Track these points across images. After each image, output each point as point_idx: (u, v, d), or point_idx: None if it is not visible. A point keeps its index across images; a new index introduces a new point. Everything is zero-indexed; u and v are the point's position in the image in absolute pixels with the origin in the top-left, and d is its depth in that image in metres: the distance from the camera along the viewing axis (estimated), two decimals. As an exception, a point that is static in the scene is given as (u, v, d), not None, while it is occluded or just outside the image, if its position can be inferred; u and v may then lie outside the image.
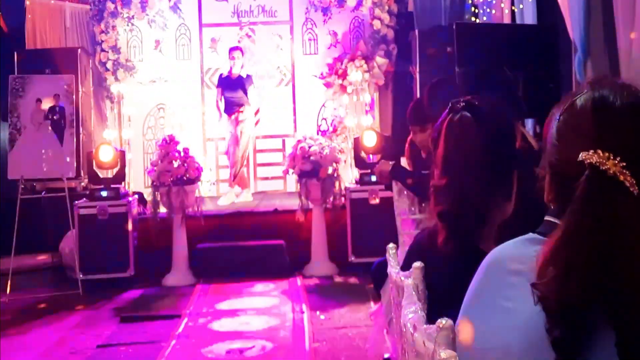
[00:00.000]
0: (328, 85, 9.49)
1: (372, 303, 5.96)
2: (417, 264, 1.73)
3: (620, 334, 1.09)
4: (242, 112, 8.83)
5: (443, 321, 1.28)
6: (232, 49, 8.97)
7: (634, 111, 1.21)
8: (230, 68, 8.88)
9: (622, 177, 1.12)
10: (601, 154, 1.14)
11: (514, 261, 1.28)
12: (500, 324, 1.24)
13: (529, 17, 7.43)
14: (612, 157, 1.13)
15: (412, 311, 1.49)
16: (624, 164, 1.13)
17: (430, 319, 1.50)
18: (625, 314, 1.09)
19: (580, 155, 1.15)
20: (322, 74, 9.51)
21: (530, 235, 1.32)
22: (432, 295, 1.74)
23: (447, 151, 1.90)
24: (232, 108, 8.82)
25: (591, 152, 1.15)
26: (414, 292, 1.61)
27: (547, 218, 1.31)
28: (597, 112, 1.21)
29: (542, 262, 1.17)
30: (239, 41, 9.64)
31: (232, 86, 8.83)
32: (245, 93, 8.81)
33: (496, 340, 1.24)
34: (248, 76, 8.92)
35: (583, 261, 1.11)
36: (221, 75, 9.00)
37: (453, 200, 1.87)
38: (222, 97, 8.87)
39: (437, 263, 1.82)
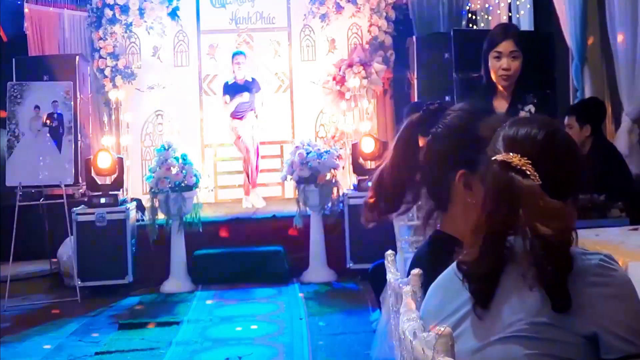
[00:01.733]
0: (327, 91, 9.51)
1: (370, 309, 5.97)
2: (415, 271, 1.73)
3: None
4: (256, 116, 8.84)
5: (442, 328, 1.29)
6: (235, 54, 8.98)
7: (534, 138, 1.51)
8: (235, 74, 8.86)
9: (524, 167, 1.42)
10: (508, 154, 1.45)
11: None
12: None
13: (526, 24, 7.46)
14: (518, 157, 1.43)
15: (411, 318, 1.50)
16: (530, 162, 1.42)
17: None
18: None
19: (494, 157, 1.46)
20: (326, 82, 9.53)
21: None
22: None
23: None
24: (243, 112, 8.82)
25: (504, 154, 1.46)
26: (412, 299, 1.61)
27: None
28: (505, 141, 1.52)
29: (466, 240, 1.48)
30: (236, 48, 9.66)
31: (242, 91, 8.82)
32: (253, 97, 8.84)
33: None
34: (254, 80, 8.94)
35: (489, 232, 1.41)
36: (226, 83, 8.95)
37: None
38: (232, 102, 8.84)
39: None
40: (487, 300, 1.43)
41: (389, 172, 1.95)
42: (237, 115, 8.82)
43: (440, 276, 1.58)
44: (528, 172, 1.42)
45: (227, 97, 8.84)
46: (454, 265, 1.53)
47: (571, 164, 1.51)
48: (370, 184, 2.18)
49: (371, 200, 1.98)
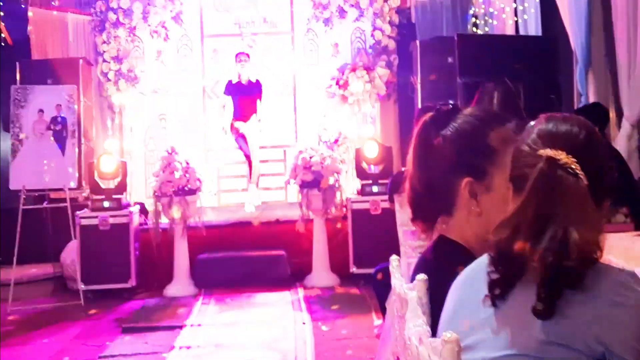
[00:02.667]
0: (330, 95, 9.52)
1: (374, 314, 5.96)
2: (421, 277, 1.72)
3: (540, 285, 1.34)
4: (259, 120, 8.85)
5: (448, 334, 1.28)
6: (238, 54, 8.96)
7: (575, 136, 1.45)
8: (239, 74, 8.86)
9: (574, 166, 1.35)
10: (556, 150, 1.38)
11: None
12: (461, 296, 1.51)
13: (532, 28, 7.46)
14: (565, 154, 1.37)
15: (417, 324, 1.50)
16: (576, 161, 1.36)
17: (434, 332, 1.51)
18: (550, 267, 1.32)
19: (539, 151, 1.39)
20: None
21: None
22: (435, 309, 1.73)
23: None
24: (247, 114, 8.79)
25: (548, 149, 1.39)
26: (418, 305, 1.60)
27: None
28: (544, 140, 1.45)
29: (498, 226, 1.41)
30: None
31: (246, 92, 8.80)
32: (259, 99, 8.82)
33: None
34: (258, 82, 8.93)
35: (528, 224, 1.36)
36: (230, 82, 8.90)
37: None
38: (233, 103, 8.82)
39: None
40: (507, 288, 1.38)
41: (417, 178, 1.84)
42: (239, 116, 8.81)
43: (456, 281, 1.54)
44: (577, 172, 1.35)
45: (229, 98, 8.81)
46: (470, 270, 1.50)
47: (609, 168, 1.44)
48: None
49: (412, 217, 1.88)
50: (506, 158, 1.62)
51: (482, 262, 1.48)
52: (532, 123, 1.50)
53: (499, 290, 1.39)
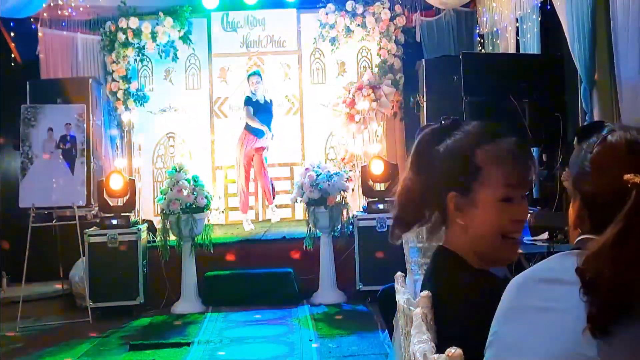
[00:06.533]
0: (336, 113, 9.58)
1: (380, 332, 5.97)
2: (424, 293, 1.75)
3: None
4: (272, 136, 8.96)
5: (452, 350, 1.31)
6: (251, 75, 9.07)
7: None
8: (256, 94, 8.93)
9: None
10: None
11: (548, 271, 1.40)
12: (539, 322, 1.34)
13: (535, 47, 7.50)
14: None
15: (421, 340, 1.52)
16: None
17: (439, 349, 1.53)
18: None
19: (624, 177, 1.29)
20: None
21: (563, 252, 1.43)
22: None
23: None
24: (262, 132, 8.89)
25: (632, 174, 1.29)
26: (423, 322, 1.63)
27: (581, 237, 1.43)
28: (630, 148, 1.39)
29: (588, 256, 1.28)
30: (247, 71, 9.78)
31: (263, 110, 8.91)
32: (271, 118, 8.97)
33: (537, 341, 1.33)
34: (271, 102, 9.06)
35: (633, 256, 1.24)
36: (249, 97, 8.97)
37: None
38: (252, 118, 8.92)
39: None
40: (611, 323, 1.26)
41: (412, 181, 1.89)
42: (254, 132, 8.89)
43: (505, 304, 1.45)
44: None
45: (251, 108, 8.89)
46: (522, 294, 1.42)
47: None
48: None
49: (395, 215, 1.93)
50: (492, 175, 1.73)
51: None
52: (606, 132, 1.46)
53: (602, 325, 1.26)
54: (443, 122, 1.89)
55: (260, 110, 8.88)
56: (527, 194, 1.81)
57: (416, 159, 1.88)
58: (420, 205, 1.86)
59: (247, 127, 8.90)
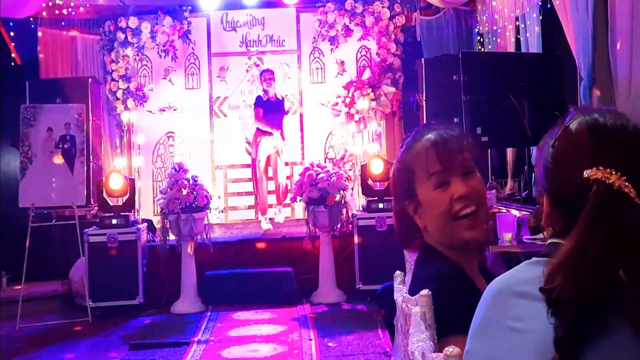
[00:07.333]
0: (336, 113, 9.58)
1: (380, 331, 5.97)
2: (424, 292, 1.75)
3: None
4: (283, 138, 8.97)
5: (450, 349, 1.31)
6: (263, 72, 9.07)
7: (625, 130, 1.28)
8: (267, 91, 8.92)
9: (627, 190, 1.17)
10: (604, 170, 1.19)
11: (519, 284, 1.30)
12: (511, 344, 1.26)
13: (534, 46, 7.50)
14: (614, 172, 1.19)
15: (420, 339, 1.52)
16: (625, 177, 1.18)
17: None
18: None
19: (584, 173, 1.20)
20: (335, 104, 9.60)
21: (533, 259, 1.34)
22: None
23: None
24: (272, 128, 8.87)
25: (594, 169, 1.20)
26: (421, 320, 1.63)
27: (550, 240, 1.34)
28: (592, 132, 1.27)
29: (551, 269, 1.20)
30: (247, 70, 9.78)
31: (274, 108, 8.91)
32: (285, 114, 8.99)
33: None
34: (283, 98, 9.06)
35: (596, 267, 1.15)
36: (260, 97, 8.97)
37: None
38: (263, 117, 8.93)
39: None
40: (580, 345, 1.17)
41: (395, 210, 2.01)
42: (265, 132, 8.89)
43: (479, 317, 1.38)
44: (632, 196, 1.19)
45: (260, 110, 8.87)
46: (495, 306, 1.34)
47: None
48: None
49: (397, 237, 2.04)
50: (421, 171, 1.84)
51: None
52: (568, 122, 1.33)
53: (570, 349, 1.16)
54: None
55: (271, 109, 8.87)
56: (470, 171, 1.84)
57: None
58: (406, 223, 1.96)
59: (259, 129, 8.92)
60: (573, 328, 1.15)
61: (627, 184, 1.18)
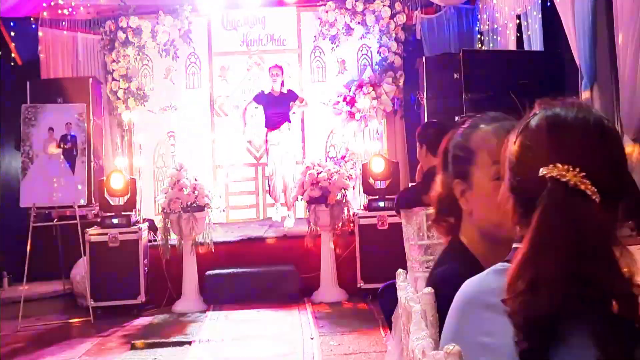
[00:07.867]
0: (337, 111, 9.57)
1: (381, 329, 5.97)
2: (427, 290, 1.75)
3: (597, 339, 1.10)
4: (289, 128, 8.95)
5: (450, 347, 1.31)
6: (271, 67, 9.06)
7: (585, 124, 1.23)
8: (272, 86, 8.94)
9: (583, 187, 1.13)
10: (560, 167, 1.15)
11: (488, 294, 1.26)
12: None
13: (535, 44, 7.49)
14: (571, 169, 1.15)
15: (420, 337, 1.52)
16: (584, 174, 1.14)
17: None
18: (599, 320, 1.10)
19: (540, 171, 1.17)
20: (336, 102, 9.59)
21: (499, 265, 1.31)
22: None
23: None
24: (278, 123, 8.89)
25: (550, 166, 1.16)
26: (422, 318, 1.63)
27: (514, 245, 1.30)
28: (551, 128, 1.23)
29: (510, 278, 1.16)
30: (247, 69, 9.78)
31: (277, 102, 8.90)
32: (288, 110, 8.95)
33: None
34: (290, 92, 9.04)
35: (550, 273, 1.11)
36: (262, 92, 9.01)
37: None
38: (265, 114, 8.94)
39: None
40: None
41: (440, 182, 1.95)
42: (271, 126, 8.89)
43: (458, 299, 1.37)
44: (588, 193, 1.15)
45: (260, 107, 8.89)
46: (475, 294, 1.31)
47: (622, 163, 1.22)
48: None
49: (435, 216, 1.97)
50: (483, 156, 1.76)
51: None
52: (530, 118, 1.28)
53: None
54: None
55: (273, 103, 8.88)
56: None
57: (442, 159, 1.96)
58: (445, 200, 1.90)
59: (267, 125, 8.93)
60: (531, 341, 1.11)
61: (585, 180, 1.14)
